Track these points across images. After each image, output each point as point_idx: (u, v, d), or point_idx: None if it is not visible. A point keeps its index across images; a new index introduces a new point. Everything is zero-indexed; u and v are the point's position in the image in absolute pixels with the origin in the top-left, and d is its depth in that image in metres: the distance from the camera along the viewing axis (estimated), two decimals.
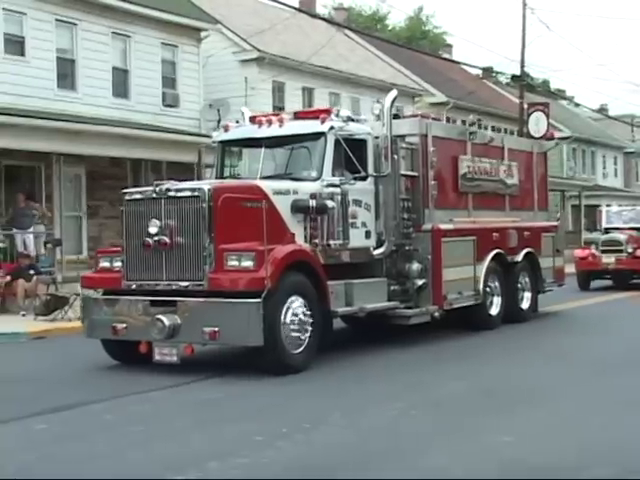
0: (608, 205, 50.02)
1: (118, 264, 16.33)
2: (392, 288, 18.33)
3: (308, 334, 15.77)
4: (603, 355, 17.73)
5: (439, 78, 56.70)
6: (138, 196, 16.27)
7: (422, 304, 18.82)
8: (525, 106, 46.57)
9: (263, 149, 17.74)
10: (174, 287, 15.59)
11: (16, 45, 29.56)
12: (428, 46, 70.29)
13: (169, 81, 36.22)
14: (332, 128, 17.13)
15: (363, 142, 17.69)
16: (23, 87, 29.10)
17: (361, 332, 20.46)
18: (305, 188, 16.68)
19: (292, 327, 15.42)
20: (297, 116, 18.11)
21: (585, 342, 19.72)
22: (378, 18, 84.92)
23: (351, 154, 17.17)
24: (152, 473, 9.62)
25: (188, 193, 15.67)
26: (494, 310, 21.06)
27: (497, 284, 21.11)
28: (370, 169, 17.71)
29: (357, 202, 17.46)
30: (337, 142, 17.10)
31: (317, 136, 17.22)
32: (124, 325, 15.83)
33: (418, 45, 68.46)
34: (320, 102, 41.09)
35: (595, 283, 33.41)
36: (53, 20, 30.56)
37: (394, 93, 18.10)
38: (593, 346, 19.12)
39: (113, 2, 32.04)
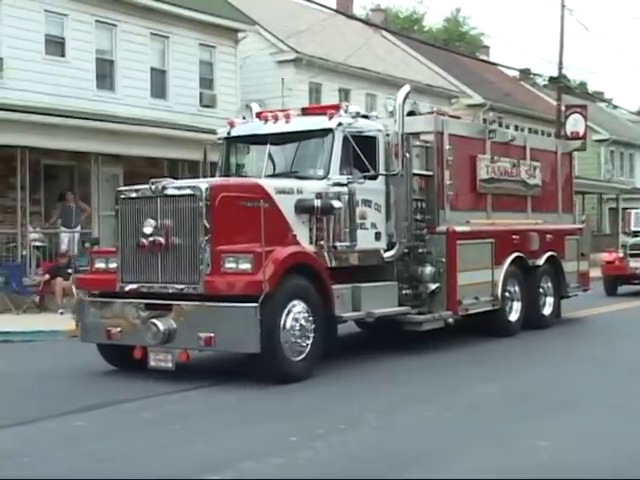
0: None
1: (113, 265, 15.03)
2: (404, 292, 16.87)
3: (310, 341, 14.41)
4: (634, 360, 16.60)
5: (476, 80, 54.86)
6: (133, 195, 14.94)
7: (435, 309, 17.31)
8: (563, 108, 44.65)
9: (268, 146, 16.40)
10: (170, 290, 14.28)
11: (57, 46, 28.96)
12: (465, 47, 68.34)
13: (206, 82, 35.33)
14: (340, 124, 15.72)
15: (373, 139, 16.20)
16: (63, 87, 28.42)
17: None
18: (310, 187, 15.29)
19: (293, 333, 14.07)
20: (305, 112, 16.72)
21: (614, 347, 18.52)
22: (415, 19, 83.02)
23: (360, 152, 15.74)
24: (189, 472, 9.26)
25: (185, 192, 14.35)
26: (513, 316, 19.44)
27: (517, 289, 19.49)
28: (381, 168, 16.28)
29: (367, 202, 16.05)
30: (345, 139, 15.70)
31: (324, 133, 15.80)
32: (118, 329, 14.55)
33: (455, 46, 66.36)
34: (356, 103, 39.36)
35: (623, 288, 31.34)
36: (93, 21, 30.01)
37: (407, 88, 16.61)
38: (622, 352, 17.92)
39: (152, 3, 31.30)
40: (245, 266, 13.78)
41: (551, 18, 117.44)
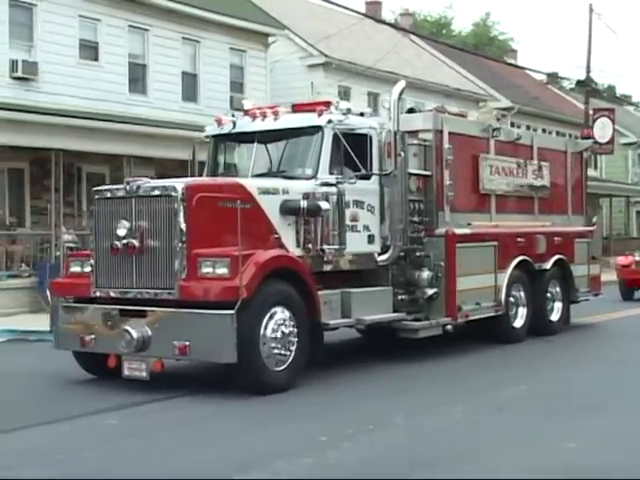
0: None
1: (89, 269, 13.48)
2: (400, 298, 15.20)
3: (294, 349, 12.81)
4: None
5: (504, 83, 53.07)
6: (108, 195, 13.44)
7: (433, 315, 15.60)
8: (590, 112, 42.96)
9: (256, 144, 14.82)
10: (145, 295, 12.77)
11: (90, 50, 28.35)
12: (494, 52, 66.07)
13: (237, 85, 34.43)
14: (330, 122, 14.12)
15: (366, 137, 14.60)
16: (96, 91, 27.76)
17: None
18: (297, 187, 13.72)
19: (273, 342, 12.50)
20: (295, 109, 14.98)
21: (627, 350, 17.18)
22: (444, 23, 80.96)
23: (352, 150, 14.15)
24: (221, 472, 8.78)
25: (159, 192, 12.79)
26: (518, 322, 17.64)
27: (522, 294, 17.68)
28: (375, 167, 14.68)
29: (359, 203, 14.43)
30: (335, 137, 14.09)
31: (313, 130, 14.20)
32: (92, 336, 13.07)
33: (484, 51, 64.29)
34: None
35: None
36: (126, 26, 29.32)
37: (402, 84, 14.91)
38: (636, 354, 16.61)
39: (184, 8, 30.49)
40: (222, 271, 12.26)
41: (579, 22, 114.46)
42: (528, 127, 44.83)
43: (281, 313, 12.60)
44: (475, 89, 49.10)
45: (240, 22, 32.85)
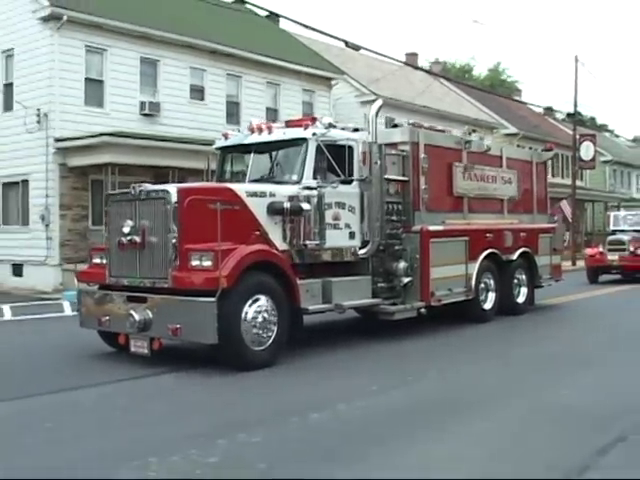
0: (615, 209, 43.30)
1: (105, 260, 11.58)
2: (380, 285, 12.87)
3: (274, 331, 10.69)
4: (617, 328, 14.39)
5: (511, 115, 50.09)
6: (119, 197, 11.51)
7: (409, 300, 13.18)
8: (577, 136, 40.54)
9: (252, 154, 12.62)
10: (147, 284, 10.78)
11: (198, 93, 27.44)
12: (504, 91, 63.03)
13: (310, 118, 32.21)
14: (314, 134, 11.90)
15: (347, 148, 12.25)
16: (202, 123, 26.76)
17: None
18: (283, 191, 11.53)
19: (254, 325, 10.42)
20: (288, 124, 12.66)
21: (597, 321, 15.77)
22: (467, 70, 77.28)
23: (334, 159, 11.95)
24: (297, 410, 8.02)
25: (157, 195, 10.77)
26: (488, 305, 15.03)
27: (491, 281, 15.09)
28: (356, 174, 12.32)
29: (341, 204, 12.17)
30: (319, 148, 11.88)
31: (300, 142, 11.98)
32: (107, 317, 11.18)
33: (496, 90, 61.27)
34: None
35: (605, 278, 26.20)
36: (225, 74, 28.31)
37: (379, 102, 12.72)
38: (605, 323, 15.33)
39: (268, 60, 29.48)
40: (207, 263, 10.24)
41: (568, 68, 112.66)
42: (530, 148, 42.20)
43: (263, 300, 10.50)
44: (489, 119, 46.60)
45: (310, 69, 31.57)
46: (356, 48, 31.10)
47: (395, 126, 13.74)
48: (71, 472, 6.30)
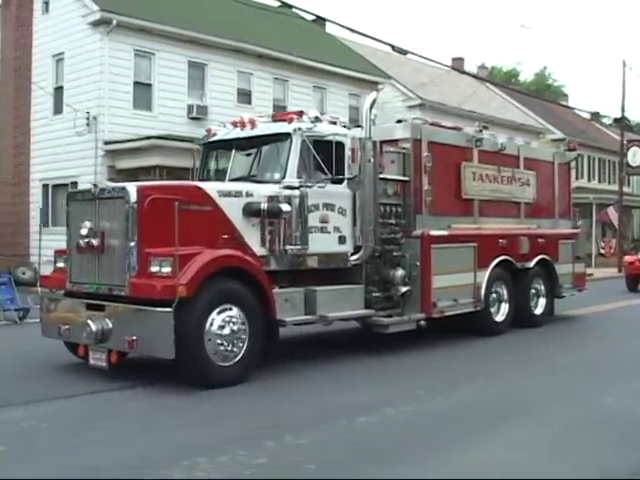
0: None
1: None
2: (374, 295, 11.00)
3: (244, 345, 8.91)
4: None
5: (558, 120, 46.89)
6: (79, 196, 9.86)
7: (408, 312, 11.27)
8: (625, 142, 37.45)
9: (234, 151, 10.87)
10: (105, 291, 9.10)
11: (245, 96, 25.64)
12: (550, 95, 59.32)
13: (354, 122, 29.75)
14: (298, 129, 10.10)
15: (336, 144, 10.25)
16: None
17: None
18: (261, 190, 9.78)
19: (220, 338, 8.67)
20: (274, 118, 10.80)
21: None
22: (513, 74, 73.56)
23: (322, 156, 10.12)
24: (343, 414, 7.18)
25: (116, 194, 9.11)
26: (500, 317, 12.95)
27: (504, 290, 12.97)
28: (347, 173, 10.22)
29: (329, 206, 10.34)
30: (304, 144, 10.07)
31: (283, 137, 10.18)
32: (67, 326, 9.48)
33: (543, 95, 57.64)
34: None
35: None
36: (271, 78, 26.50)
37: (373, 95, 10.74)
38: None
39: (316, 64, 27.51)
40: (167, 269, 8.53)
41: (616, 73, 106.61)
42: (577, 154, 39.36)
43: (230, 311, 8.79)
44: (536, 124, 43.81)
45: (357, 74, 29.60)
46: (403, 52, 29.10)
47: (399, 122, 11.55)
48: (123, 472, 5.71)
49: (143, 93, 23.05)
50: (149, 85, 23.17)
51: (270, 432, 6.70)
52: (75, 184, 22.94)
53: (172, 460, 5.96)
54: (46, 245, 22.97)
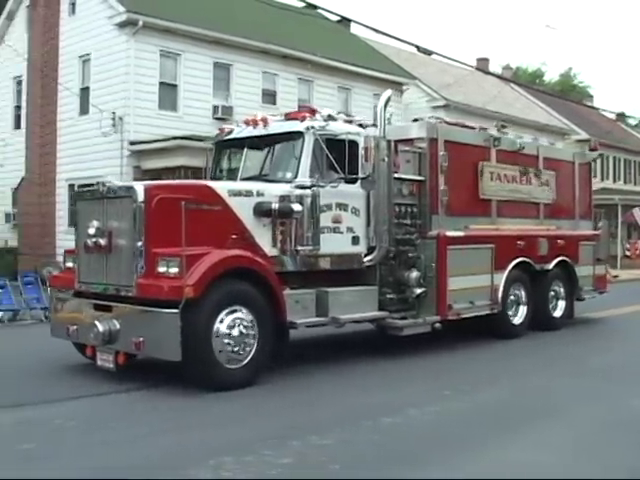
0: None
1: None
2: (388, 297, 10.63)
3: (253, 347, 8.61)
4: None
5: (583, 120, 46.19)
6: (87, 196, 9.57)
7: (423, 314, 10.90)
8: None
9: (245, 150, 10.60)
10: (112, 291, 8.84)
11: (270, 97, 25.56)
12: (575, 96, 58.25)
13: None
14: (311, 127, 9.80)
15: (349, 143, 9.88)
16: None
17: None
18: (273, 190, 9.48)
19: (228, 340, 8.37)
20: (287, 117, 10.44)
21: None
22: (537, 75, 72.34)
23: (335, 155, 9.76)
24: (368, 414, 7.04)
25: (123, 193, 8.85)
26: (518, 319, 12.52)
27: (523, 293, 12.53)
28: (360, 172, 9.93)
29: (342, 206, 10.01)
30: (317, 142, 9.74)
31: (295, 136, 9.87)
32: (75, 327, 9.24)
33: (568, 95, 56.62)
34: None
35: None
36: (296, 79, 26.41)
37: (388, 92, 10.41)
38: None
39: (341, 65, 27.38)
40: (174, 270, 8.26)
41: None
42: (601, 155, 38.46)
43: (239, 312, 8.50)
44: (560, 125, 43.19)
45: (381, 74, 29.28)
46: (427, 53, 28.62)
47: (416, 121, 11.18)
48: (148, 471, 5.65)
49: (168, 94, 23.05)
50: (174, 86, 23.18)
51: (294, 433, 6.58)
52: None
53: (181, 463, 5.78)
54: (73, 245, 22.93)
